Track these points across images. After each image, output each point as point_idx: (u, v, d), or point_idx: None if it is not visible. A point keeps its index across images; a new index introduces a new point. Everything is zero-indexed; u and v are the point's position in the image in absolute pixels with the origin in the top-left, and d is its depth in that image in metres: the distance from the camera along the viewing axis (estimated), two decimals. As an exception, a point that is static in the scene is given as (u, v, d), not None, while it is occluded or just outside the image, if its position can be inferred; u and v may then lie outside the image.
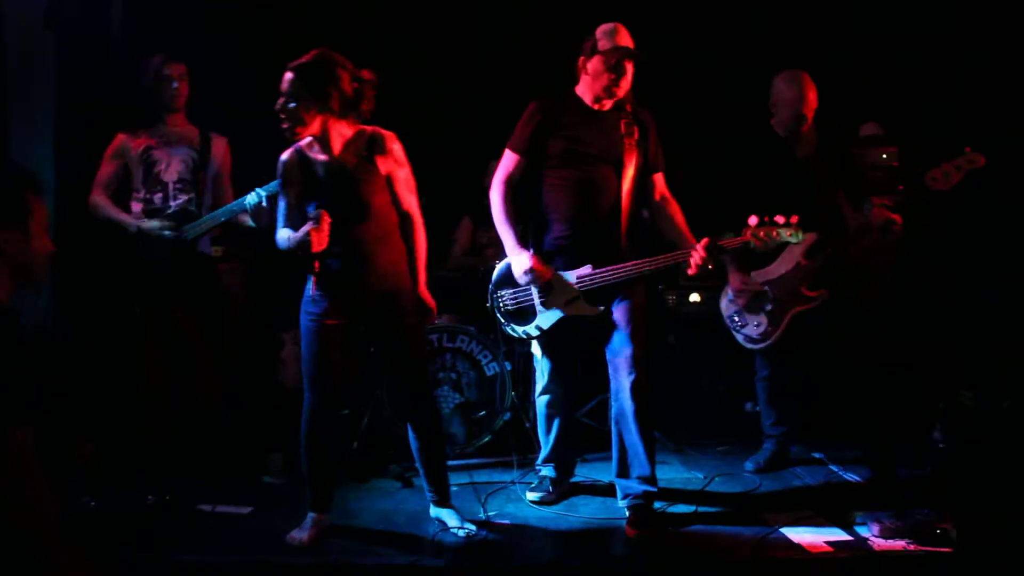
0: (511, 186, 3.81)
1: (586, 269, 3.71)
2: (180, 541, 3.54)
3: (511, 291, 3.91)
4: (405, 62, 5.60)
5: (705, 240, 3.53)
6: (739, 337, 4.44)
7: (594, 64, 3.69)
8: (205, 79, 4.46)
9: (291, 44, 5.14)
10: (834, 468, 4.53)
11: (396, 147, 3.54)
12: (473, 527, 3.61)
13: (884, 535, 3.55)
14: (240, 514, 3.87)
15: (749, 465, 4.52)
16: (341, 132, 3.46)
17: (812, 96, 4.23)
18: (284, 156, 3.50)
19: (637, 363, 3.68)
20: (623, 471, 3.81)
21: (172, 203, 4.28)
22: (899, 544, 3.49)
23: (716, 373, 5.39)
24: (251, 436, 4.59)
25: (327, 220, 3.33)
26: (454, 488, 4.22)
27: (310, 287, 3.51)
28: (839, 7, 5.59)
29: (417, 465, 3.75)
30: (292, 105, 3.33)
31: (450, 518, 3.68)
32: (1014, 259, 5.04)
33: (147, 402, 4.24)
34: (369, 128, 3.53)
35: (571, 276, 3.74)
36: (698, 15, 5.71)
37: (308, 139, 3.46)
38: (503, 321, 3.99)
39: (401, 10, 5.68)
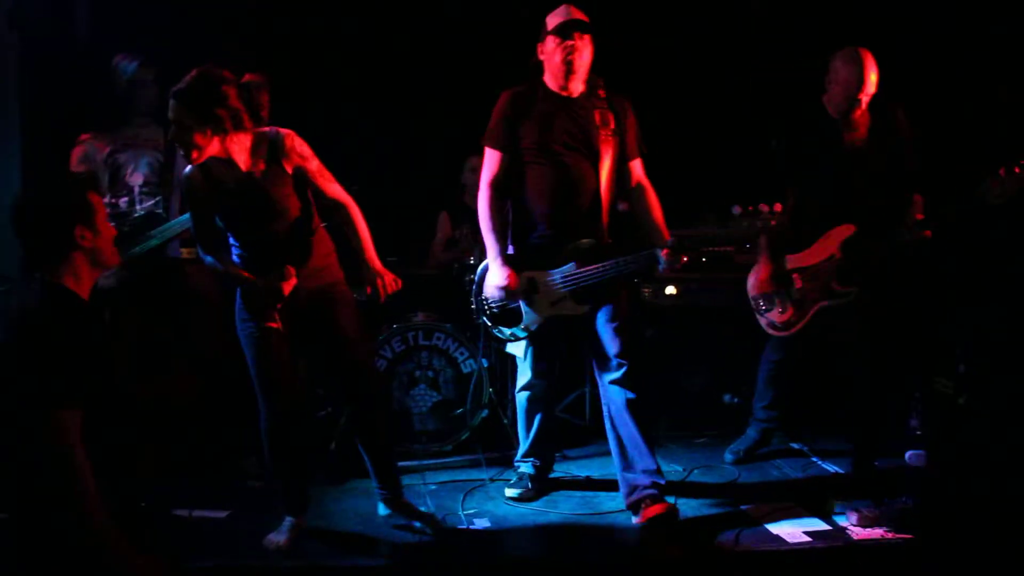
0: (498, 188, 3.75)
1: (569, 267, 3.67)
2: (156, 548, 3.49)
3: (490, 298, 3.86)
4: (379, 57, 5.58)
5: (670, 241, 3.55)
6: (761, 321, 4.27)
7: (548, 45, 3.66)
8: (172, 79, 4.40)
9: (259, 41, 5.19)
10: (814, 459, 4.55)
11: (297, 143, 3.38)
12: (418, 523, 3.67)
13: (862, 524, 3.58)
14: (217, 518, 3.84)
15: (728, 455, 4.52)
16: (241, 143, 3.30)
17: (872, 78, 3.91)
18: (187, 171, 3.35)
19: (627, 355, 3.66)
20: (627, 465, 3.74)
21: (138, 207, 4.23)
22: (877, 532, 3.51)
23: (694, 366, 5.38)
24: (227, 439, 4.54)
25: (292, 271, 3.32)
26: (432, 486, 4.23)
27: (238, 297, 3.47)
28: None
29: (366, 461, 3.71)
30: (183, 132, 3.20)
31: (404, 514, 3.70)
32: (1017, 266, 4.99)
33: (119, 407, 4.18)
34: (266, 129, 3.38)
35: (556, 275, 3.70)
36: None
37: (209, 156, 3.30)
38: (489, 324, 3.94)
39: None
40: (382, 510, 3.75)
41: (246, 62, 3.44)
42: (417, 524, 3.66)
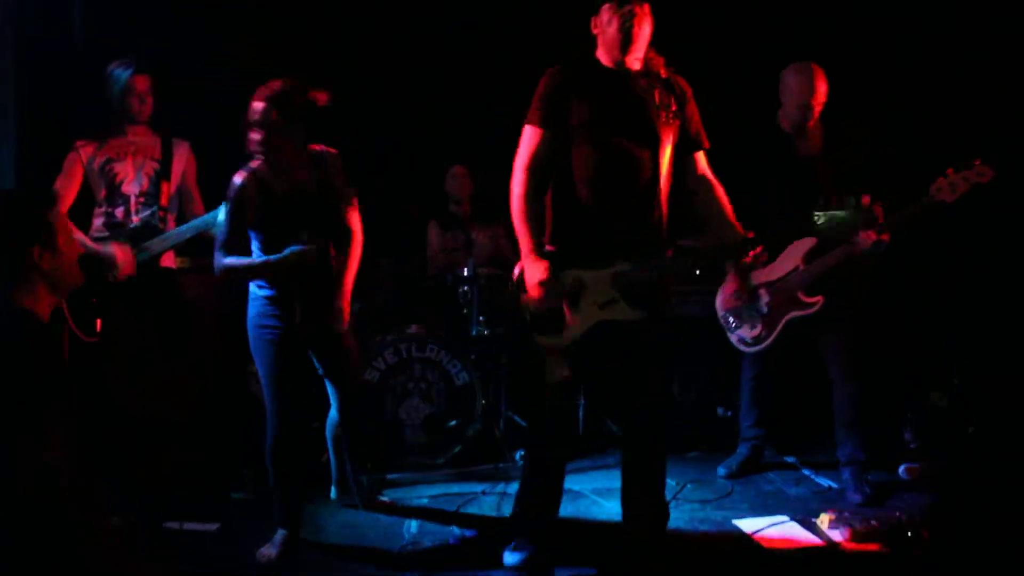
0: (539, 171, 3.23)
1: (622, 265, 3.19)
2: (147, 561, 3.47)
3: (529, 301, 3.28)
4: (364, 69, 5.58)
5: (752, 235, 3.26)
6: (732, 338, 4.34)
7: (603, 15, 3.20)
8: (168, 84, 4.39)
9: (253, 49, 5.18)
10: (806, 472, 4.55)
11: (341, 165, 3.58)
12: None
13: (856, 539, 3.57)
14: (208, 531, 3.81)
15: (722, 470, 4.53)
16: (298, 157, 3.46)
17: (821, 88, 4.04)
18: (239, 179, 3.40)
19: (663, 388, 3.41)
20: (632, 499, 3.39)
21: (135, 217, 4.21)
22: (871, 546, 3.51)
23: (687, 379, 5.38)
24: (220, 450, 4.53)
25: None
26: (424, 500, 4.21)
27: (260, 302, 3.51)
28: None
29: (330, 453, 3.99)
30: (266, 136, 3.31)
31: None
32: (986, 259, 5.05)
33: (112, 418, 4.16)
34: (317, 147, 3.54)
35: (605, 274, 3.20)
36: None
37: (262, 162, 3.41)
38: (533, 332, 3.30)
39: (357, 15, 5.66)
40: (333, 494, 4.10)
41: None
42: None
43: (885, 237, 3.84)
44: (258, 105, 3.32)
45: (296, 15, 5.48)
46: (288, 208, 3.43)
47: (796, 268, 4.12)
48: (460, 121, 5.74)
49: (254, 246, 3.49)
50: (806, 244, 4.09)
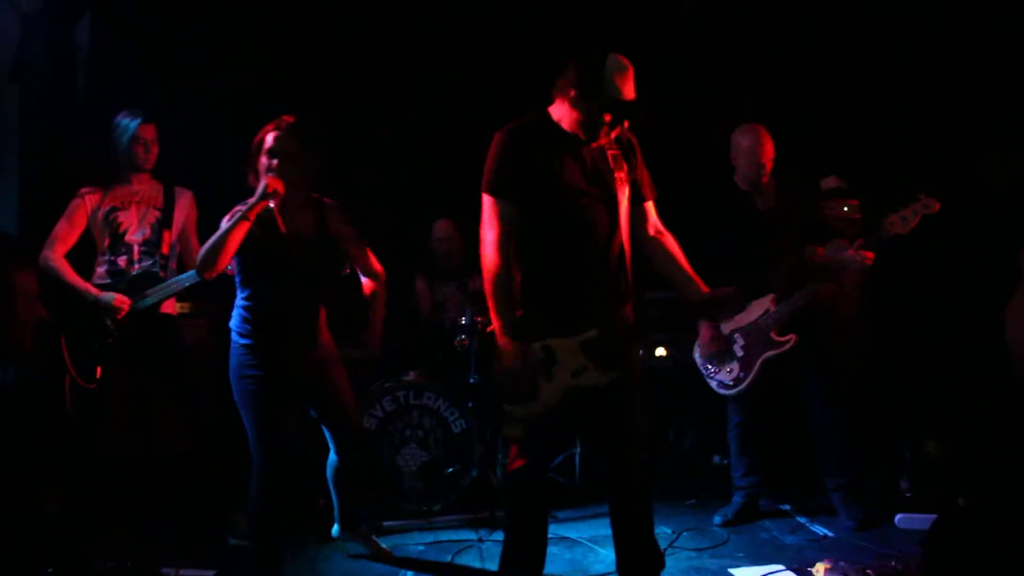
0: (509, 244, 3.11)
1: (593, 332, 3.12)
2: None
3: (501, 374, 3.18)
4: (350, 118, 5.67)
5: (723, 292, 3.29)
6: (712, 384, 4.52)
7: (588, 107, 3.09)
8: (170, 133, 4.46)
9: (254, 98, 5.27)
10: (801, 520, 4.55)
11: (345, 216, 3.67)
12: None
13: (851, 588, 3.57)
14: (203, 577, 3.81)
15: (717, 519, 4.53)
16: (305, 193, 3.53)
17: (769, 146, 4.36)
18: (231, 212, 3.45)
19: (644, 442, 3.25)
20: (636, 571, 3.32)
21: (136, 266, 4.25)
22: (866, 597, 3.51)
23: (683, 427, 5.40)
24: (217, 494, 4.52)
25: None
26: (420, 547, 4.21)
27: (240, 351, 3.51)
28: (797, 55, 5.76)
29: (334, 498, 3.97)
30: (281, 163, 3.38)
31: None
32: (978, 301, 5.10)
33: (110, 462, 4.17)
34: (314, 194, 3.62)
35: (574, 342, 3.12)
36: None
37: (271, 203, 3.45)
38: (503, 400, 3.19)
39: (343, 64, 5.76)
40: (335, 532, 4.06)
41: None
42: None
43: (870, 254, 4.15)
44: (277, 133, 3.41)
45: (295, 68, 5.58)
46: (283, 249, 3.44)
47: (766, 310, 4.36)
48: (440, 173, 5.80)
49: (244, 293, 3.52)
50: (766, 302, 4.37)
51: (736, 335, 4.42)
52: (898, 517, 4.42)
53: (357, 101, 5.81)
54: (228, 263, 3.39)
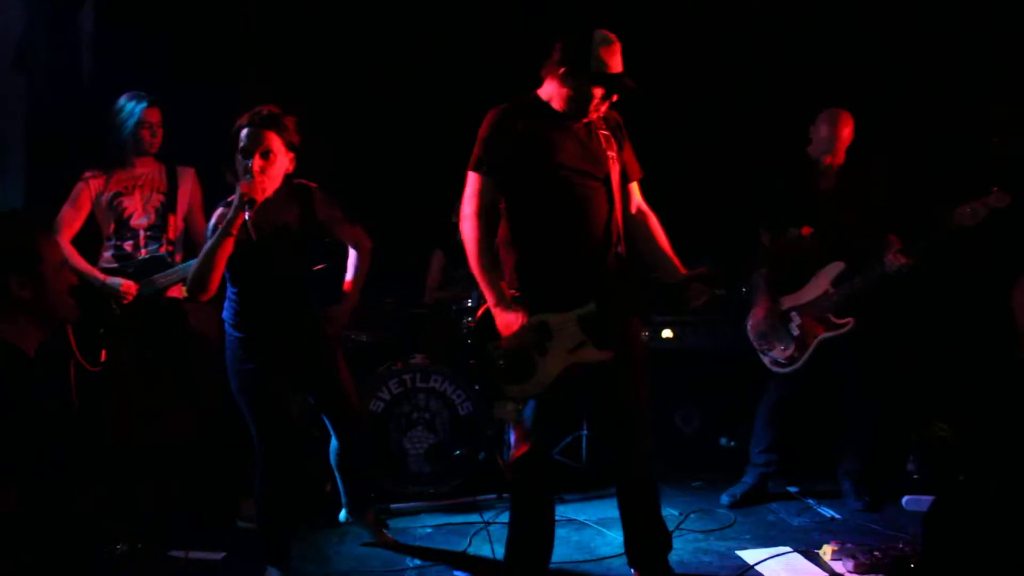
0: (489, 218, 3.18)
1: (590, 306, 3.14)
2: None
3: (502, 348, 3.18)
4: (373, 90, 5.65)
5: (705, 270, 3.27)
6: (765, 360, 4.49)
7: (578, 80, 3.13)
8: (176, 117, 4.45)
9: (257, 78, 5.26)
10: (810, 502, 4.55)
11: (323, 199, 3.56)
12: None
13: (859, 570, 3.57)
14: (213, 560, 3.83)
15: (725, 499, 4.53)
16: (286, 186, 3.45)
17: (845, 134, 4.32)
18: (215, 218, 3.36)
19: (646, 423, 3.30)
20: (643, 555, 3.37)
21: (143, 250, 4.25)
22: (874, 579, 3.51)
23: (689, 409, 5.39)
24: (225, 479, 4.54)
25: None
26: (427, 530, 4.22)
27: (234, 344, 3.48)
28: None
29: (339, 482, 3.96)
30: (272, 161, 3.31)
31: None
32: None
33: (117, 446, 4.19)
34: (297, 181, 3.51)
35: (572, 316, 3.15)
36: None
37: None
38: (495, 381, 3.21)
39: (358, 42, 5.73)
40: (343, 516, 4.08)
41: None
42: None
43: (911, 260, 4.10)
44: (249, 129, 3.30)
45: (300, 48, 5.56)
46: (268, 246, 3.36)
47: (826, 292, 4.33)
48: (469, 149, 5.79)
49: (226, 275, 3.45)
50: (835, 268, 4.33)
51: (792, 313, 4.39)
52: (905, 499, 4.43)
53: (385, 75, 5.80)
54: (220, 278, 3.28)
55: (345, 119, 5.76)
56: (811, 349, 4.35)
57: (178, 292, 4.35)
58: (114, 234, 4.26)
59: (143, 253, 4.24)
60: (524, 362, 3.12)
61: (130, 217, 4.26)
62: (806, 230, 3.55)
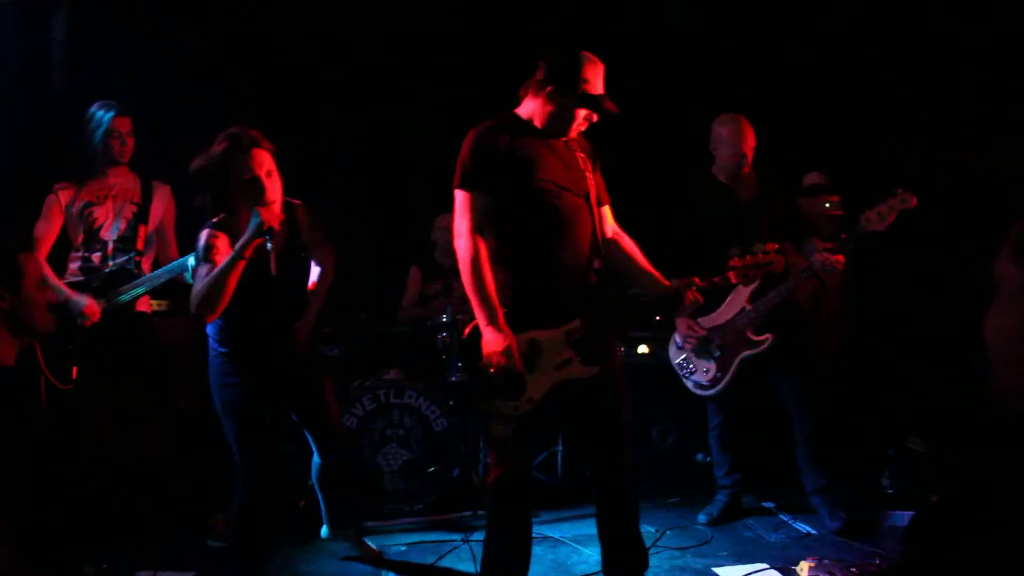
0: (483, 234, 3.13)
1: (575, 323, 3.15)
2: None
3: (487, 367, 3.11)
4: (355, 107, 5.63)
5: (697, 280, 3.27)
6: (689, 384, 4.46)
7: (562, 99, 3.16)
8: (147, 125, 4.39)
9: (232, 89, 5.22)
10: (784, 517, 4.54)
11: (308, 217, 3.60)
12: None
13: (836, 587, 3.56)
14: (182, 580, 3.76)
15: (702, 517, 4.51)
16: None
17: (750, 135, 4.29)
18: (204, 241, 3.33)
19: (629, 439, 3.27)
20: (621, 570, 3.33)
21: (111, 263, 4.18)
22: (850, 595, 3.50)
23: (666, 424, 5.38)
24: (195, 496, 4.46)
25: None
26: (402, 547, 4.17)
27: (218, 360, 3.44)
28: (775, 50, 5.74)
29: (320, 499, 3.91)
30: (278, 183, 3.36)
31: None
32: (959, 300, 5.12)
33: (85, 463, 4.11)
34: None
35: (560, 333, 3.15)
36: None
37: (228, 216, 3.39)
38: (488, 397, 3.14)
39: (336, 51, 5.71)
40: (324, 533, 3.96)
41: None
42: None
43: (840, 257, 4.08)
44: (267, 153, 3.35)
45: (276, 57, 5.53)
46: (255, 263, 3.31)
47: (742, 309, 4.31)
48: (446, 169, 5.79)
49: None
50: (747, 288, 4.26)
51: (713, 333, 4.36)
52: (883, 515, 4.42)
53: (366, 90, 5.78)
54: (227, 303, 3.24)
55: (323, 133, 5.74)
56: (733, 369, 4.30)
57: (146, 306, 4.28)
58: (83, 245, 4.19)
59: (111, 265, 4.17)
60: (515, 380, 3.09)
61: (100, 228, 4.20)
62: (771, 245, 3.48)
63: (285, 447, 4.66)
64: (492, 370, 3.05)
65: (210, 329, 3.47)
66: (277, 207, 3.35)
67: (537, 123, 3.22)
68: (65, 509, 4.04)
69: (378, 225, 5.81)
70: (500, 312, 3.08)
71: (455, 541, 4.23)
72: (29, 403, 2.81)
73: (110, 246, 4.20)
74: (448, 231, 5.57)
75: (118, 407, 4.19)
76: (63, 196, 4.20)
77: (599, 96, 3.16)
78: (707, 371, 4.37)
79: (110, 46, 4.88)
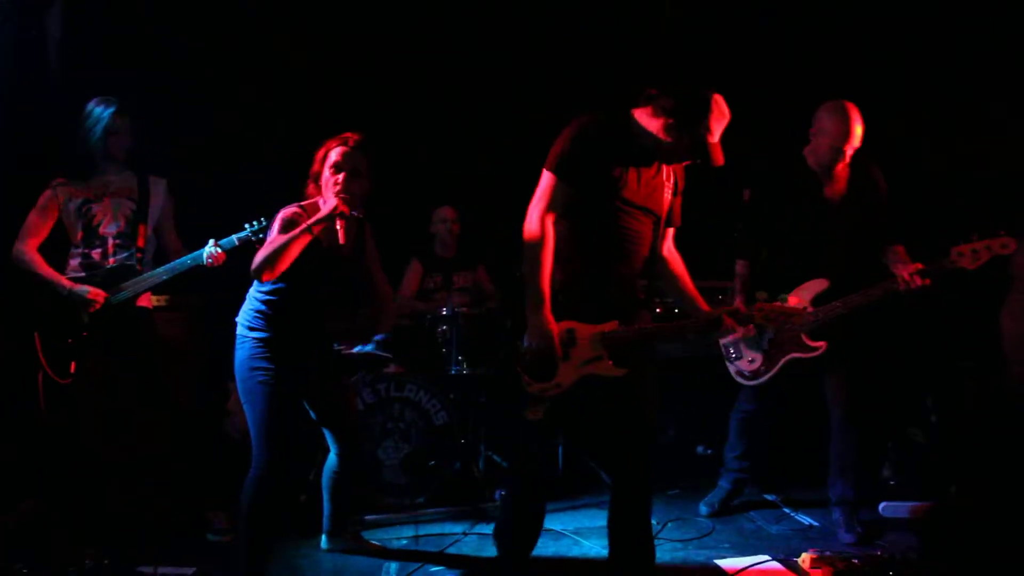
0: (554, 222, 3.22)
1: (613, 324, 3.26)
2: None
3: (526, 347, 3.29)
4: (357, 102, 5.63)
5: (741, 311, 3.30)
6: (731, 368, 4.33)
7: (679, 136, 3.16)
8: (143, 121, 4.37)
9: (229, 84, 5.21)
10: (787, 511, 4.54)
11: (371, 231, 3.78)
12: None
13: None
14: (183, 575, 3.73)
15: (703, 508, 4.51)
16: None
17: (857, 131, 3.94)
18: (288, 214, 3.46)
19: (652, 437, 3.36)
20: (629, 565, 3.34)
21: (111, 259, 4.17)
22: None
23: (667, 417, 5.38)
24: (195, 491, 4.46)
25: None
26: (403, 541, 4.16)
27: (250, 343, 3.47)
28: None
29: (326, 502, 3.93)
30: (357, 181, 3.48)
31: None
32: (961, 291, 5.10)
33: (84, 459, 4.11)
34: (359, 212, 3.65)
35: (597, 331, 3.26)
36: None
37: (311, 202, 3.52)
38: (522, 377, 3.30)
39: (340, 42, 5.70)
40: (324, 544, 3.97)
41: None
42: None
43: (927, 281, 3.85)
44: (345, 149, 3.49)
45: (275, 48, 5.52)
46: (320, 262, 3.48)
47: (804, 310, 4.00)
48: (447, 162, 5.78)
49: (266, 287, 3.50)
50: (818, 286, 4.06)
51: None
52: (882, 505, 4.42)
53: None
54: (284, 269, 3.36)
55: (321, 125, 5.72)
56: (778, 366, 4.16)
57: (147, 301, 4.27)
58: (82, 242, 4.17)
59: (112, 261, 4.15)
60: (548, 363, 3.23)
61: (99, 224, 4.18)
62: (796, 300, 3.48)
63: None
64: (533, 348, 3.20)
65: (244, 316, 3.53)
66: (352, 200, 3.47)
67: (646, 141, 3.23)
68: (64, 503, 4.05)
69: (378, 216, 5.79)
70: (547, 298, 3.19)
71: (456, 535, 4.23)
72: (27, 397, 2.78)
73: (110, 242, 4.18)
74: (446, 223, 5.63)
75: (118, 401, 4.19)
76: (61, 192, 4.18)
77: (713, 145, 3.15)
78: (752, 361, 4.23)
79: (105, 41, 4.87)
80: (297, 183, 3.61)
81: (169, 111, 4.79)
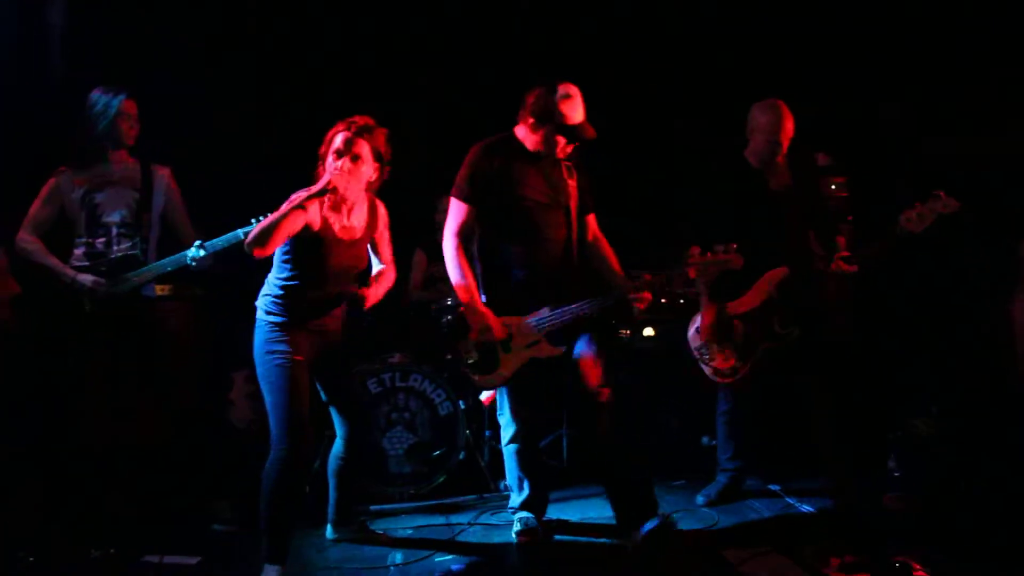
0: (464, 237, 3.83)
1: (543, 311, 3.77)
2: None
3: (473, 341, 3.81)
4: (355, 90, 5.61)
5: (649, 278, 3.75)
6: (706, 370, 4.35)
7: (548, 128, 3.72)
8: (146, 112, 4.36)
9: (231, 76, 5.20)
10: (790, 500, 4.52)
11: (385, 214, 3.86)
12: None
13: (842, 569, 3.54)
14: (188, 564, 3.75)
15: (700, 499, 4.49)
16: (363, 197, 3.73)
17: (789, 125, 4.14)
18: (294, 196, 3.51)
19: (605, 400, 3.71)
20: (633, 521, 3.73)
21: (115, 248, 4.16)
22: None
23: (671, 408, 5.37)
24: (200, 481, 4.47)
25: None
26: (408, 531, 4.17)
27: (267, 327, 3.53)
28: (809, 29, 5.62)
29: (332, 490, 3.97)
30: (362, 167, 3.56)
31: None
32: (958, 283, 5.10)
33: (89, 449, 4.11)
34: (371, 195, 3.78)
35: (531, 320, 3.78)
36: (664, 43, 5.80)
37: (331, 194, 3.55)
38: (468, 372, 3.88)
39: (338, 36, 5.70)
40: (330, 534, 4.01)
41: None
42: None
43: (852, 268, 4.01)
44: (347, 135, 3.55)
45: (277, 41, 5.51)
46: (335, 246, 3.56)
47: (769, 298, 4.16)
48: (453, 151, 5.77)
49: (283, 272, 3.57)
50: (777, 274, 4.15)
51: (736, 321, 4.22)
52: (887, 497, 4.39)
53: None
54: (279, 245, 3.44)
55: (325, 112, 5.71)
56: (753, 360, 4.20)
57: (151, 290, 4.27)
58: (86, 231, 4.16)
59: (116, 251, 4.15)
60: (489, 356, 3.80)
61: (103, 214, 4.17)
62: (731, 245, 3.62)
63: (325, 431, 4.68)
64: (474, 344, 3.77)
65: (262, 301, 3.60)
66: (347, 181, 3.54)
67: (528, 145, 3.82)
68: (69, 492, 4.06)
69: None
70: (477, 295, 3.78)
71: (462, 524, 4.23)
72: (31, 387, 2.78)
73: (114, 231, 4.18)
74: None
75: (121, 391, 4.18)
76: (64, 181, 4.17)
77: (575, 126, 3.71)
78: (727, 359, 4.26)
79: (107, 32, 4.86)
80: (297, 183, 3.61)
81: (169, 111, 4.77)
